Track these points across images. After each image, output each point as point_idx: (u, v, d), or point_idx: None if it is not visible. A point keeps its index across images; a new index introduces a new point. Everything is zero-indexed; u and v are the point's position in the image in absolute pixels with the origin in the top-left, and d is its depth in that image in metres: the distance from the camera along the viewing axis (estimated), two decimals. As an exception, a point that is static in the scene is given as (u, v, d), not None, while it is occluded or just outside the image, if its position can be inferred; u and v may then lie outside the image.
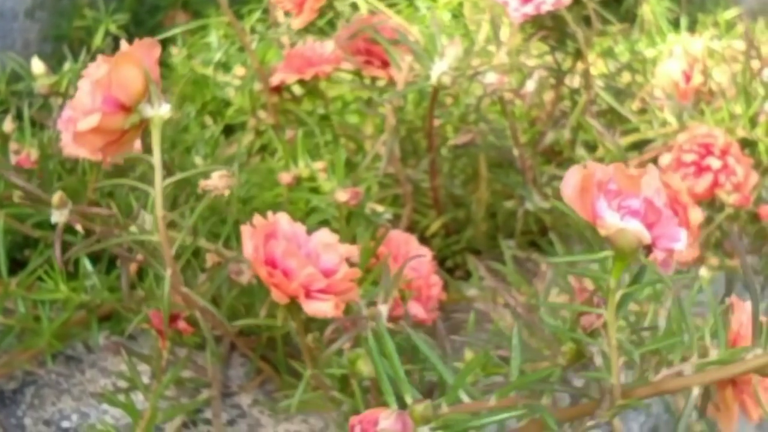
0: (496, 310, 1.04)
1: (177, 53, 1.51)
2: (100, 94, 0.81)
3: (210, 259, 0.98)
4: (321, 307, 0.80)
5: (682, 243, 0.72)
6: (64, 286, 0.99)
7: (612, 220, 0.70)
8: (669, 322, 0.90)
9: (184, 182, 1.14)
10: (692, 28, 1.65)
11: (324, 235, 0.84)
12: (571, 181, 0.72)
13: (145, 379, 0.99)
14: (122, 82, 0.82)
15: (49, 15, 1.69)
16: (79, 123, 0.80)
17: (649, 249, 0.72)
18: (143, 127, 0.85)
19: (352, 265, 0.84)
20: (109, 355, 1.06)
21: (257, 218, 0.82)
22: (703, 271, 1.12)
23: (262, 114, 1.24)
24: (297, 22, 1.04)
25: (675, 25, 1.69)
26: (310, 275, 0.80)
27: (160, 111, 0.83)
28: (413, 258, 0.97)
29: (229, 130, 1.42)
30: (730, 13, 1.71)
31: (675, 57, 1.23)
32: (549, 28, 1.25)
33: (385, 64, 1.12)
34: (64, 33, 1.67)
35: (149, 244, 0.86)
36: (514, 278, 1.12)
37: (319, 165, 1.10)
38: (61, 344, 1.01)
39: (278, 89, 1.19)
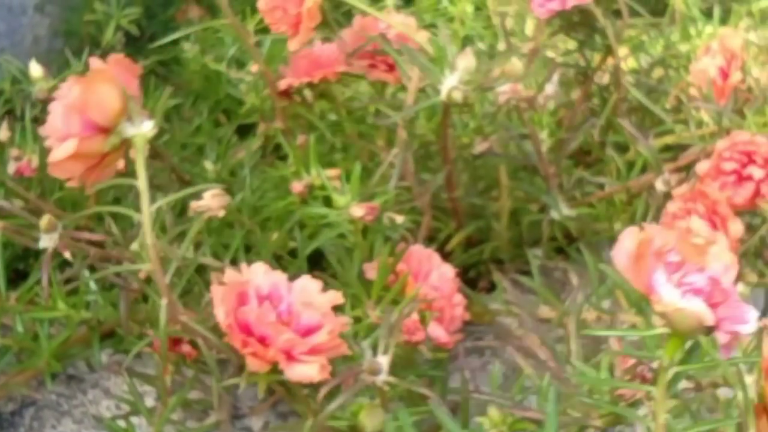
0: (521, 325, 0.98)
1: (189, 49, 1.45)
2: (75, 118, 0.75)
3: (215, 279, 0.92)
4: (305, 371, 0.74)
5: (750, 325, 0.65)
6: (63, 303, 0.94)
7: (671, 298, 0.63)
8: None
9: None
10: (726, 18, 1.58)
11: (305, 287, 0.78)
12: (625, 245, 0.65)
13: (151, 401, 0.94)
14: (98, 103, 0.76)
15: (59, 10, 1.64)
16: (55, 151, 0.74)
17: (711, 329, 0.65)
18: (126, 147, 0.79)
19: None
20: (112, 374, 1.00)
21: (228, 273, 0.76)
22: (741, 287, 1.04)
23: (271, 119, 1.18)
24: (294, 43, 0.98)
25: (708, 15, 1.62)
26: (289, 341, 0.74)
27: (142, 129, 0.77)
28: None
29: (243, 129, 1.37)
30: (766, 2, 1.64)
31: (711, 52, 1.16)
32: (577, 23, 1.18)
33: (391, 68, 1.06)
34: (74, 28, 1.62)
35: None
36: (541, 291, 1.06)
37: (332, 173, 1.04)
38: (60, 365, 0.96)
39: (287, 93, 1.13)
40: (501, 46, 1.40)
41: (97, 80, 0.78)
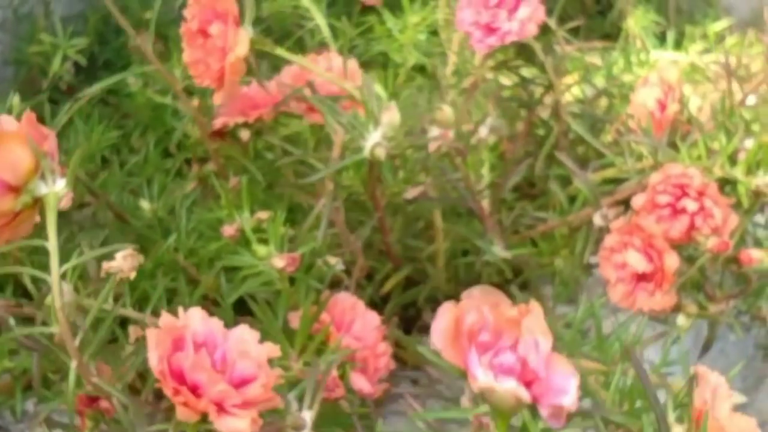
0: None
1: (134, 82, 1.44)
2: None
3: (134, 333, 0.91)
4: (236, 425, 0.72)
5: (570, 396, 0.63)
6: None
7: (485, 379, 0.62)
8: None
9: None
10: (680, 41, 1.58)
11: (242, 336, 0.76)
12: (440, 325, 0.64)
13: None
14: (9, 163, 0.75)
15: (9, 38, 1.62)
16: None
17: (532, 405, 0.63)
18: (39, 205, 0.78)
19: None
20: (36, 425, 0.98)
21: (164, 318, 0.74)
22: (681, 320, 1.04)
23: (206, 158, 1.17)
24: (218, 97, 0.97)
25: (662, 39, 1.62)
26: (222, 392, 0.72)
27: (55, 188, 0.76)
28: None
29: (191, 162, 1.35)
30: (721, 24, 1.63)
31: (649, 84, 1.15)
32: (518, 58, 1.17)
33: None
34: (24, 57, 1.61)
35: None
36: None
37: (264, 215, 1.03)
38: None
39: (221, 132, 1.11)
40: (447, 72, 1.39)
41: (8, 140, 0.77)
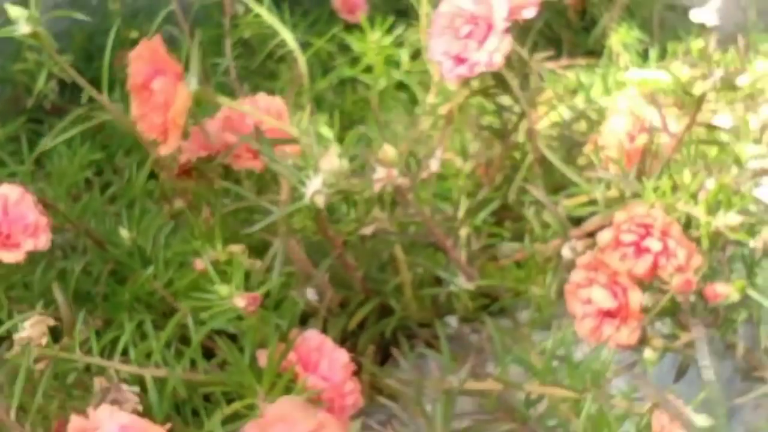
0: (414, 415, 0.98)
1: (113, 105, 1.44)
2: None
3: (98, 383, 0.91)
4: None
5: None
6: None
7: None
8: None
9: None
10: (663, 57, 1.58)
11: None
12: None
13: None
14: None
15: (-6, 56, 1.64)
16: None
17: None
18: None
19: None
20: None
21: (74, 421, 0.75)
22: (648, 353, 1.05)
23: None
24: (165, 148, 0.98)
25: (645, 56, 1.62)
26: None
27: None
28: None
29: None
30: (702, 41, 1.63)
31: (620, 114, 1.16)
32: (492, 86, 1.18)
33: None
34: (9, 76, 1.62)
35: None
36: (446, 363, 1.06)
37: (236, 248, 1.04)
38: None
39: (186, 169, 1.12)
40: (430, 97, 1.40)
41: None
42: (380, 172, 0.94)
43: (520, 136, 1.23)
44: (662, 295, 1.03)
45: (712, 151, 1.22)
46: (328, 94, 1.62)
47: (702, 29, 1.71)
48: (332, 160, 0.92)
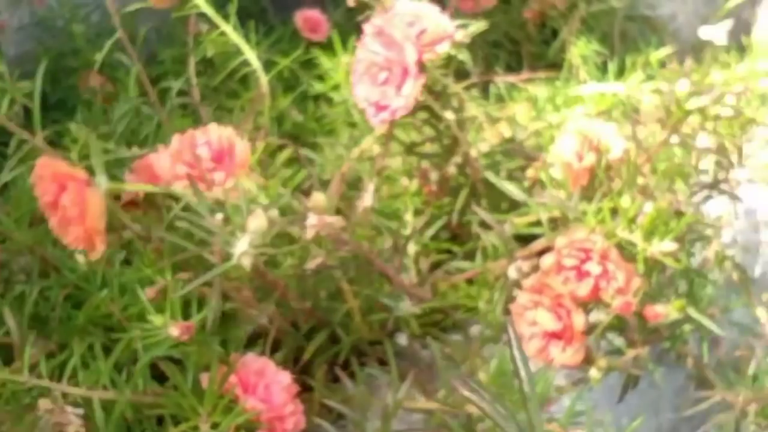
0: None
1: (75, 130, 1.46)
2: None
3: (42, 406, 0.93)
4: None
5: None
6: None
7: None
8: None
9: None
10: (622, 69, 1.60)
11: None
12: None
13: None
14: None
15: (-42, 81, 1.65)
16: None
17: None
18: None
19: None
20: None
21: None
22: (593, 372, 1.07)
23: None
24: (94, 255, 0.99)
25: (603, 70, 1.64)
26: None
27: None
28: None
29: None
30: (663, 52, 1.65)
31: (568, 134, 1.17)
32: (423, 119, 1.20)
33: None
34: (-29, 100, 1.63)
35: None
36: (393, 381, 1.07)
37: (185, 276, 1.05)
38: None
39: (134, 202, 1.13)
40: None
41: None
42: (312, 219, 0.95)
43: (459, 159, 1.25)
44: (606, 316, 1.05)
45: (661, 166, 1.23)
46: (292, 111, 1.64)
47: (661, 41, 1.73)
48: (259, 220, 0.91)
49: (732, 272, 1.26)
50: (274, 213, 0.90)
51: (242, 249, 0.89)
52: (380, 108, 1.11)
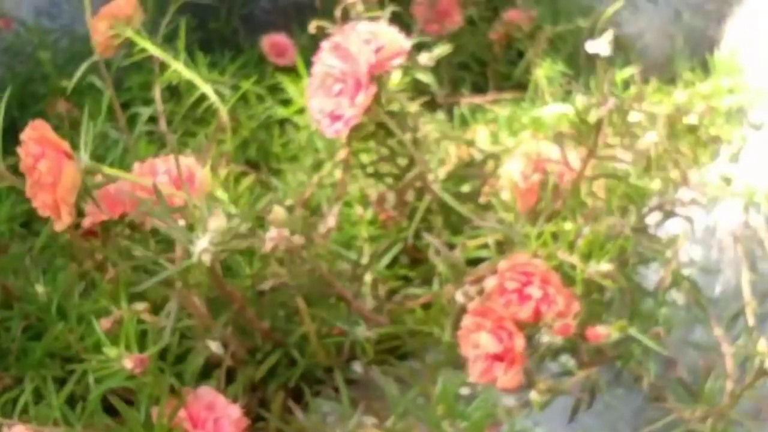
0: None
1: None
2: None
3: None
4: None
5: None
6: None
7: None
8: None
9: None
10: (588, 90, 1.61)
11: None
12: None
13: None
14: None
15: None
16: None
17: None
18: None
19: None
20: None
21: None
22: (534, 395, 1.08)
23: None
24: (59, 225, 1.01)
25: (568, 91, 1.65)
26: None
27: None
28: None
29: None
30: (628, 71, 1.66)
31: (516, 155, 1.20)
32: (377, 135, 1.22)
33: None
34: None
35: None
36: (345, 410, 1.09)
37: (140, 306, 1.07)
38: None
39: (92, 231, 1.15)
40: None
41: None
42: (272, 232, 0.97)
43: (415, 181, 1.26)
44: (552, 338, 1.06)
45: (618, 186, 1.25)
46: (259, 135, 1.65)
47: (627, 60, 1.74)
48: (219, 220, 0.95)
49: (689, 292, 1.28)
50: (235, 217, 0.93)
51: (203, 246, 0.92)
52: (334, 118, 1.13)
